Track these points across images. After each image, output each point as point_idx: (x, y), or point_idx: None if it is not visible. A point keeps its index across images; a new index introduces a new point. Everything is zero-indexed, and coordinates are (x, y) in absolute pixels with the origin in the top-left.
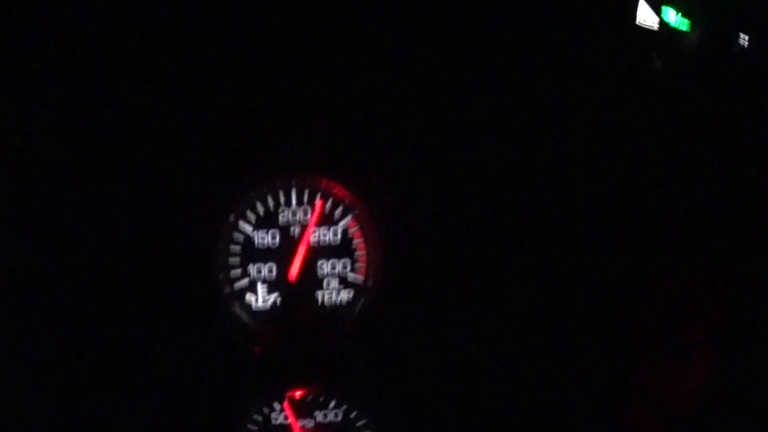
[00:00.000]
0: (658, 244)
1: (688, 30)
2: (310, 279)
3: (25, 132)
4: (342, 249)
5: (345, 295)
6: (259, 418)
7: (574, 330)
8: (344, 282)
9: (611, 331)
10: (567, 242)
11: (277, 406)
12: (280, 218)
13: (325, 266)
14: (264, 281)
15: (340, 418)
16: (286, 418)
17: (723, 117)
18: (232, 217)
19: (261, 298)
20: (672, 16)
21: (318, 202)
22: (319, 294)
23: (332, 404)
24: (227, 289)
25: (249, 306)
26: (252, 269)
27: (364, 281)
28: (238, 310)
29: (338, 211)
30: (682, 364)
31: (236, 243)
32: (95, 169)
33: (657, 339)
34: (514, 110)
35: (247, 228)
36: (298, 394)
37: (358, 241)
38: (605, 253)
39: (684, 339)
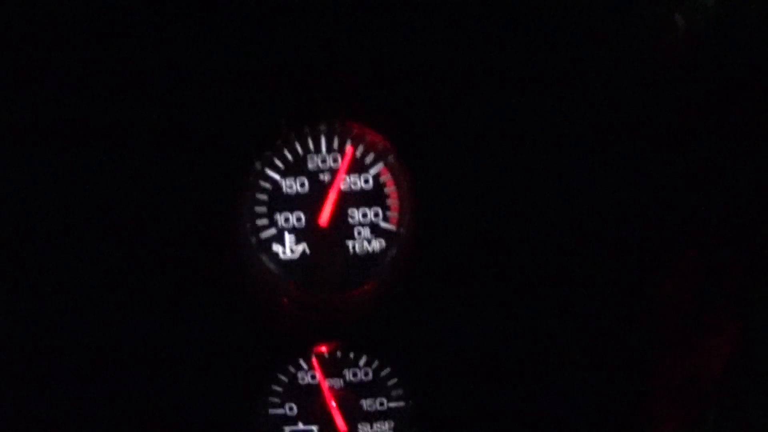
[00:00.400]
0: (678, 221)
1: None
2: (341, 227)
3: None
4: (373, 196)
5: (377, 244)
6: (285, 378)
7: (602, 302)
8: (376, 230)
9: (633, 308)
10: (593, 217)
11: (304, 364)
12: (309, 165)
13: (356, 214)
14: (292, 230)
15: (370, 376)
16: (313, 377)
17: (745, 84)
18: (258, 164)
19: (289, 248)
20: None
21: (348, 148)
22: (350, 243)
23: (362, 361)
24: (253, 239)
25: (276, 255)
26: (279, 218)
27: (397, 229)
28: (265, 259)
29: (369, 158)
30: (705, 342)
31: (262, 191)
32: (122, 114)
33: (678, 317)
34: (549, 76)
35: (274, 175)
36: (325, 349)
37: (390, 189)
38: (627, 232)
39: (706, 316)
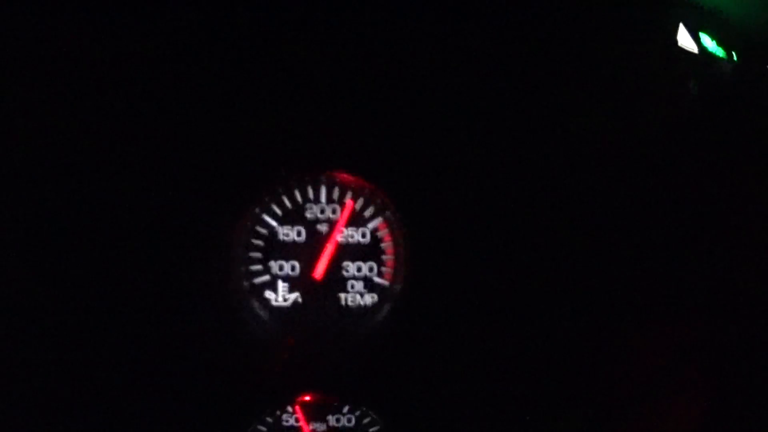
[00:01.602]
0: (656, 281)
1: (725, 57)
2: (334, 279)
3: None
4: (370, 251)
5: (369, 299)
6: (270, 420)
7: (575, 364)
8: (369, 285)
9: (605, 369)
10: (587, 281)
11: (288, 408)
12: (307, 214)
13: (350, 267)
14: (286, 278)
15: (352, 423)
16: (297, 420)
17: (750, 150)
18: (256, 210)
19: (281, 296)
20: (709, 43)
21: (348, 201)
22: (343, 296)
23: (346, 409)
24: (246, 284)
25: (268, 302)
26: (274, 265)
27: (391, 286)
28: (256, 305)
29: (369, 211)
30: (675, 404)
31: (259, 236)
32: (123, 151)
33: (651, 378)
34: (554, 124)
35: (272, 222)
36: (311, 398)
37: (386, 244)
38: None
39: (677, 378)
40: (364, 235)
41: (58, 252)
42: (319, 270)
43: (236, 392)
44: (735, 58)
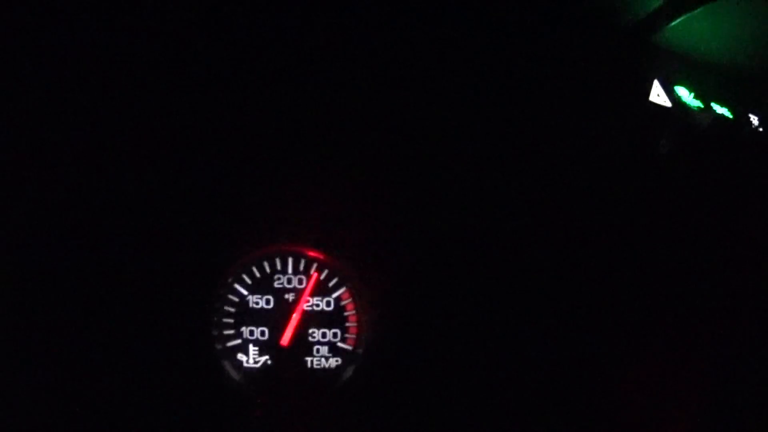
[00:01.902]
0: (650, 313)
1: (702, 108)
2: (301, 344)
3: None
4: (334, 318)
5: (333, 362)
6: None
7: (563, 393)
8: (334, 349)
9: (593, 401)
10: (562, 313)
11: None
12: (275, 284)
13: (316, 333)
14: (256, 343)
15: None
16: None
17: (729, 196)
18: (229, 279)
19: (252, 358)
20: (685, 95)
21: (314, 274)
22: (309, 359)
23: None
24: (219, 346)
25: (240, 364)
26: (245, 330)
27: (354, 349)
28: (228, 367)
29: (333, 282)
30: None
31: (231, 304)
32: (99, 222)
33: (639, 411)
34: (519, 178)
35: (242, 291)
36: None
37: (350, 312)
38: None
39: (666, 413)
40: (328, 304)
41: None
42: (286, 337)
43: None
44: (713, 107)
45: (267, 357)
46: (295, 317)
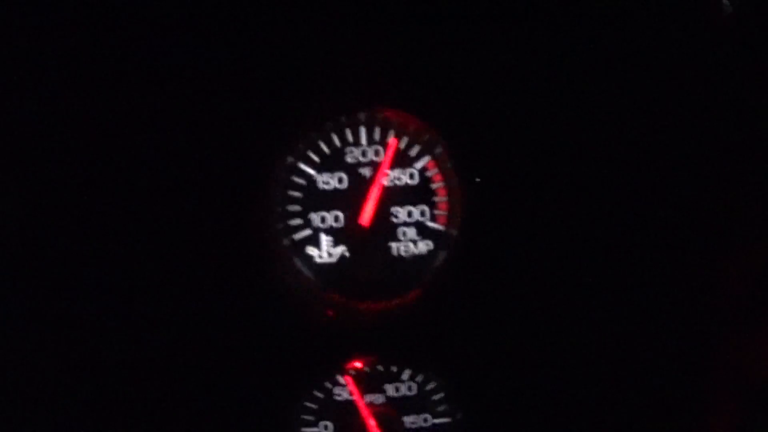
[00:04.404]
0: (734, 208)
1: None
2: (383, 227)
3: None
4: (419, 193)
5: (423, 246)
6: (320, 395)
7: (654, 301)
8: (422, 231)
9: (691, 301)
10: (645, 211)
11: (340, 379)
12: (348, 158)
13: (399, 213)
14: (329, 231)
15: (414, 391)
16: (350, 393)
17: None
18: (290, 159)
19: (325, 251)
20: None
21: (392, 140)
22: (394, 245)
23: (406, 376)
24: (286, 241)
25: (311, 259)
26: (315, 217)
27: (445, 230)
28: (298, 264)
29: (415, 150)
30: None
31: (296, 187)
32: (147, 109)
33: (738, 309)
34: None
35: (309, 170)
36: (362, 365)
37: (437, 185)
38: (684, 219)
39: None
40: (412, 176)
41: (93, 211)
42: (365, 217)
43: (283, 364)
44: None
45: (343, 247)
46: (374, 193)
